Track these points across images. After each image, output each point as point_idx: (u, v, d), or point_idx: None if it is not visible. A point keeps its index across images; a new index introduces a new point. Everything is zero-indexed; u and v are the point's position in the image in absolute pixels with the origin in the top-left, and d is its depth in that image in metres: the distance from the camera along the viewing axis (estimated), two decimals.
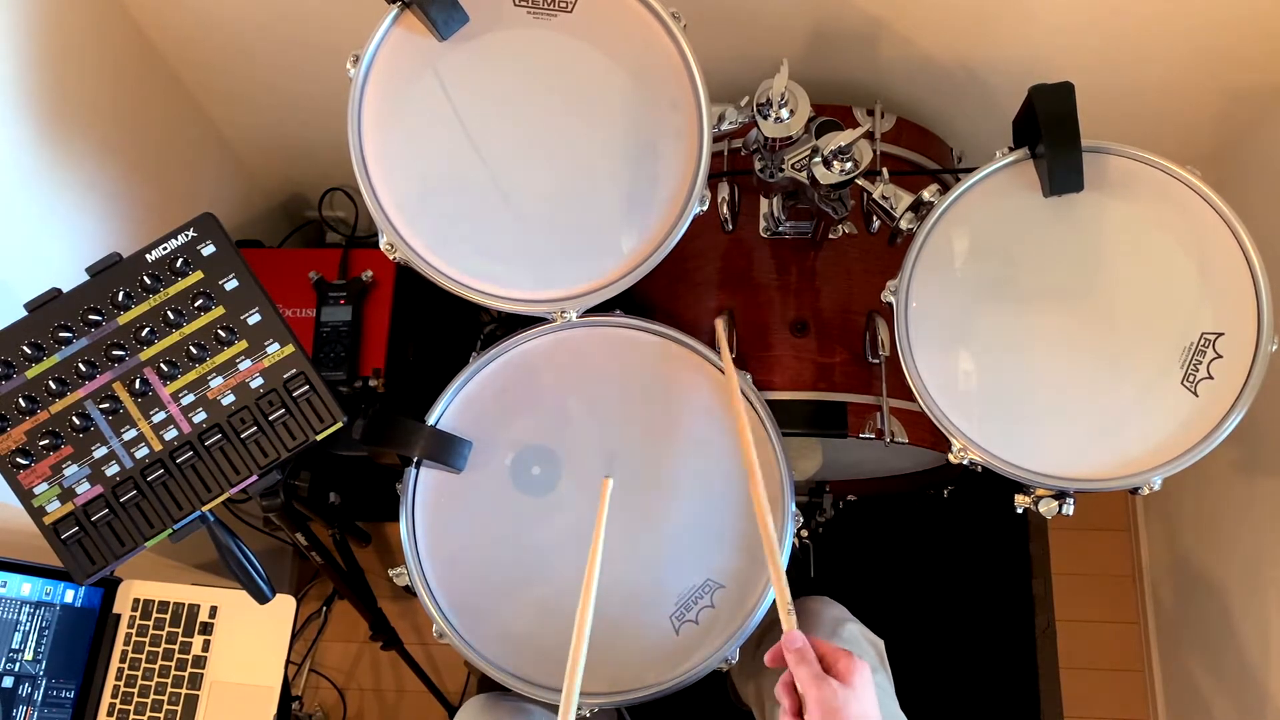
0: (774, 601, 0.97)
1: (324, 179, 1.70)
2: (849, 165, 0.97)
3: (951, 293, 0.99)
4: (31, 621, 1.13)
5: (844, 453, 1.30)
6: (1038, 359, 0.96)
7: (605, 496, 0.90)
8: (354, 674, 1.81)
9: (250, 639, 1.19)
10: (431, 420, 1.03)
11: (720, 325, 1.07)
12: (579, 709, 0.96)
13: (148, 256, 0.90)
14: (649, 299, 1.25)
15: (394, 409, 1.41)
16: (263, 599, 0.95)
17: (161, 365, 0.89)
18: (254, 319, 0.90)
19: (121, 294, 0.89)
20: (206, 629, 1.19)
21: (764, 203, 1.21)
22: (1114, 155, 0.99)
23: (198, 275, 0.90)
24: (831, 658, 0.79)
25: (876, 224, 1.19)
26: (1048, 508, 0.99)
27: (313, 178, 1.71)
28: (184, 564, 1.48)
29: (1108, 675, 1.75)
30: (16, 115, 1.12)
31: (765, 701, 1.13)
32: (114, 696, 1.17)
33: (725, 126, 1.04)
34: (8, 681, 1.10)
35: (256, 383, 0.90)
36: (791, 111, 0.99)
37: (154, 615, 1.20)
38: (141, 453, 0.89)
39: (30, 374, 0.88)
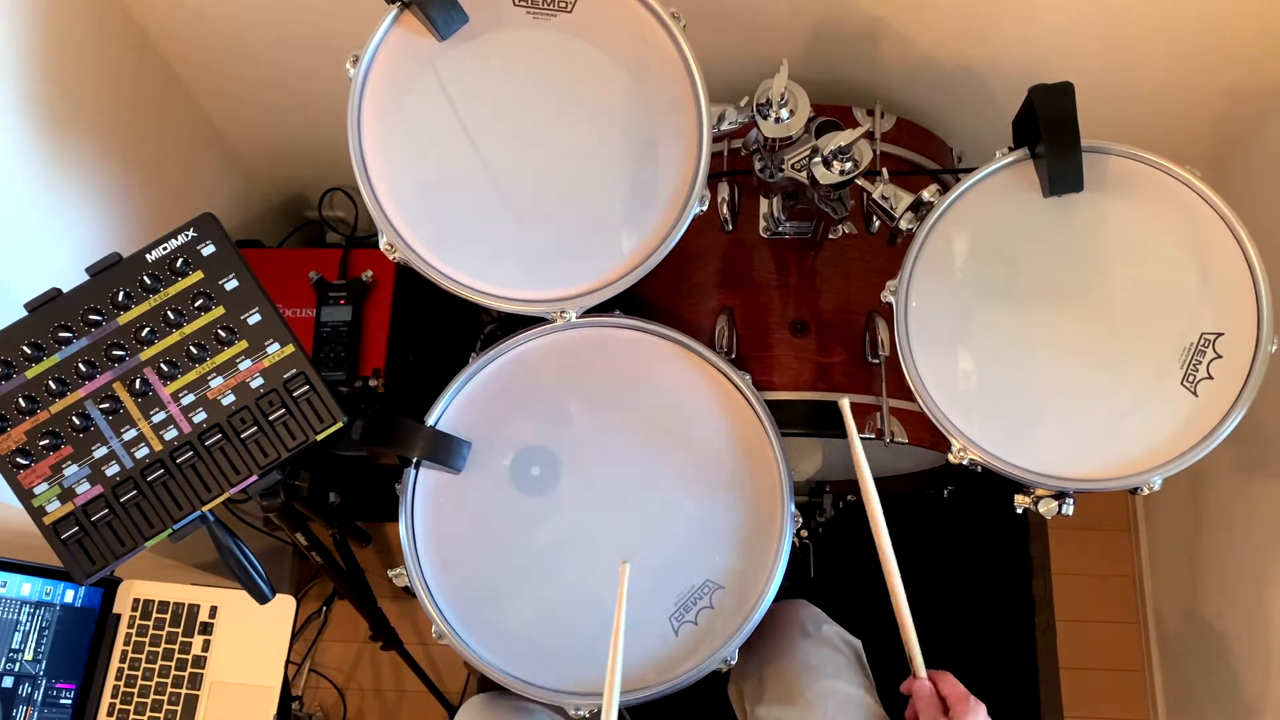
0: (772, 602, 0.98)
1: (324, 179, 1.70)
2: (849, 165, 0.97)
3: (951, 293, 0.99)
4: (31, 621, 1.13)
5: (844, 453, 1.30)
6: (1037, 359, 0.96)
7: (624, 581, 0.90)
8: (354, 674, 1.81)
9: (250, 639, 1.19)
10: (431, 420, 1.03)
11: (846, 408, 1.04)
12: (577, 709, 0.96)
13: (148, 256, 0.90)
14: (649, 299, 1.25)
15: (394, 409, 1.41)
16: (263, 599, 0.95)
17: (161, 365, 0.89)
18: (254, 319, 0.90)
19: (121, 294, 0.89)
20: (206, 629, 1.19)
21: (764, 203, 1.21)
22: (1114, 155, 0.99)
23: (198, 275, 0.90)
24: (952, 698, 0.90)
25: (876, 224, 1.19)
26: (1047, 508, 0.99)
27: (313, 178, 1.71)
28: (184, 564, 1.48)
29: (1108, 675, 1.75)
30: (17, 115, 1.12)
31: (747, 703, 1.14)
32: (114, 696, 1.17)
33: (725, 126, 1.04)
34: (8, 681, 1.10)
35: (256, 383, 0.90)
36: (791, 111, 0.99)
37: (154, 615, 1.20)
38: (141, 453, 0.89)
39: (30, 374, 0.88)
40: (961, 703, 0.90)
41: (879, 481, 1.54)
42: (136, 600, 1.20)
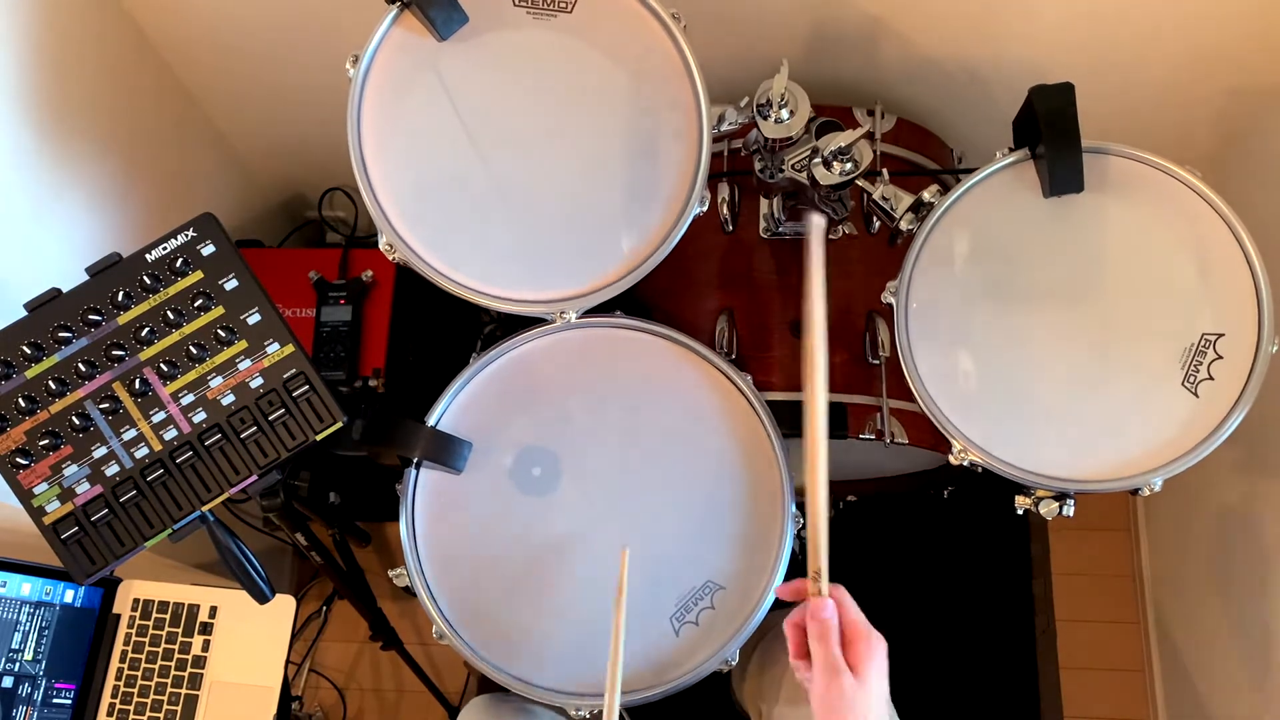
0: (773, 603, 0.97)
1: (324, 179, 1.70)
2: (849, 166, 0.97)
3: (952, 293, 0.99)
4: (31, 621, 1.12)
5: (844, 453, 1.30)
6: (1038, 359, 0.96)
7: (624, 567, 0.89)
8: (354, 674, 1.81)
9: (250, 639, 1.19)
10: (431, 421, 1.03)
11: None
12: (578, 709, 0.96)
13: (148, 256, 0.90)
14: (649, 299, 1.25)
15: (394, 409, 1.41)
16: (263, 599, 0.95)
17: (161, 365, 0.89)
18: (254, 319, 0.90)
19: (121, 294, 0.89)
20: (206, 629, 1.19)
21: (764, 203, 1.21)
22: (1114, 156, 0.99)
23: (198, 275, 0.90)
24: (851, 634, 0.75)
25: (877, 224, 1.19)
26: (1048, 509, 0.99)
27: (313, 178, 1.71)
28: (184, 564, 1.48)
29: (1108, 675, 1.75)
30: (16, 115, 1.11)
31: (761, 703, 1.13)
32: (114, 696, 1.17)
33: (725, 127, 1.04)
34: (8, 681, 1.10)
35: (256, 383, 0.90)
36: (791, 112, 0.99)
37: (154, 615, 1.20)
38: (141, 453, 0.89)
39: (30, 374, 0.88)
40: (862, 641, 0.74)
41: (880, 482, 1.54)
42: (136, 600, 1.20)
